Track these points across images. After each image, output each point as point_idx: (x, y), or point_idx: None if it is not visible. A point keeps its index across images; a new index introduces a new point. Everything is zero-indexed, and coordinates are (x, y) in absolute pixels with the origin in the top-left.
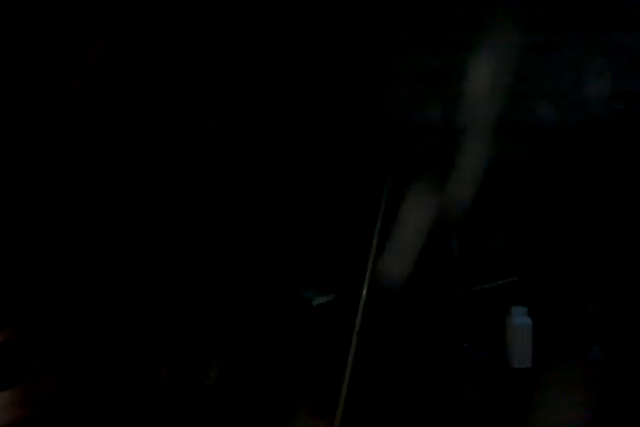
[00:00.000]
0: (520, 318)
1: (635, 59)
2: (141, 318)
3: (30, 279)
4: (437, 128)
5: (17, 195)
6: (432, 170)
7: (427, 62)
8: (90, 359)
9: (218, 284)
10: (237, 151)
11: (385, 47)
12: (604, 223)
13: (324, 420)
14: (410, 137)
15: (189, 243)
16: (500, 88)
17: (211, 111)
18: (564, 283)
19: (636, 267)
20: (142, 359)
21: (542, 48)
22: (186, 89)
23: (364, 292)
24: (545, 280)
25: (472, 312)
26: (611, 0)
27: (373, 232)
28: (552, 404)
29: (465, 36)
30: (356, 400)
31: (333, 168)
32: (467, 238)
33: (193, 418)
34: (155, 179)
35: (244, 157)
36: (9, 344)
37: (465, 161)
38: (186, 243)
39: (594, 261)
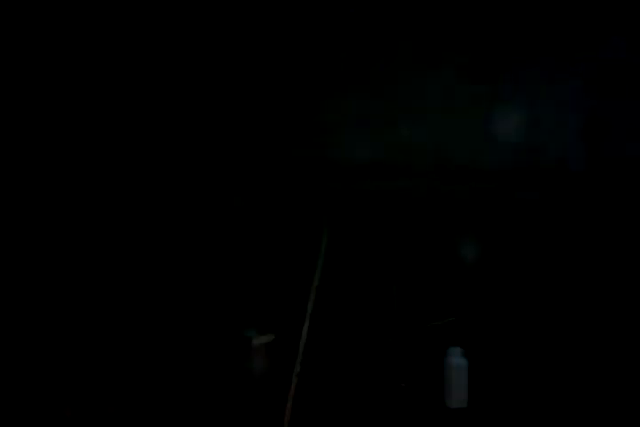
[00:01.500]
0: (456, 359)
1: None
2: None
3: None
4: (374, 171)
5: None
6: (372, 213)
7: (367, 107)
8: None
9: (157, 319)
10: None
11: (322, 91)
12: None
13: None
14: (348, 178)
15: (127, 282)
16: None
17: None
18: (499, 324)
19: None
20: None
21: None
22: None
23: (305, 332)
24: (481, 321)
25: (411, 352)
26: None
27: (315, 272)
28: None
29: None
30: None
31: (276, 209)
32: (406, 280)
33: None
34: None
35: (184, 198)
36: None
37: (406, 204)
38: (124, 282)
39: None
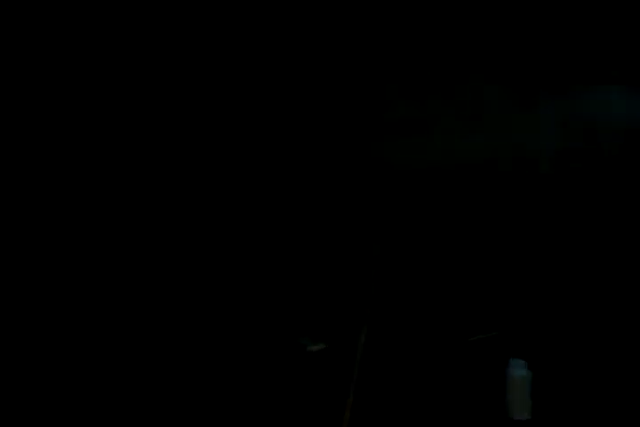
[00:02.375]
0: (519, 370)
1: None
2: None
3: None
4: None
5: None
6: (426, 216)
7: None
8: None
9: (216, 326)
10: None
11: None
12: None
13: None
14: (402, 183)
15: (190, 290)
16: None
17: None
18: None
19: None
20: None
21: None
22: None
23: (362, 341)
24: (543, 333)
25: (471, 363)
26: None
27: (371, 281)
28: None
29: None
30: None
31: (333, 214)
32: (465, 287)
33: None
34: None
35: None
36: None
37: (461, 205)
38: (186, 290)
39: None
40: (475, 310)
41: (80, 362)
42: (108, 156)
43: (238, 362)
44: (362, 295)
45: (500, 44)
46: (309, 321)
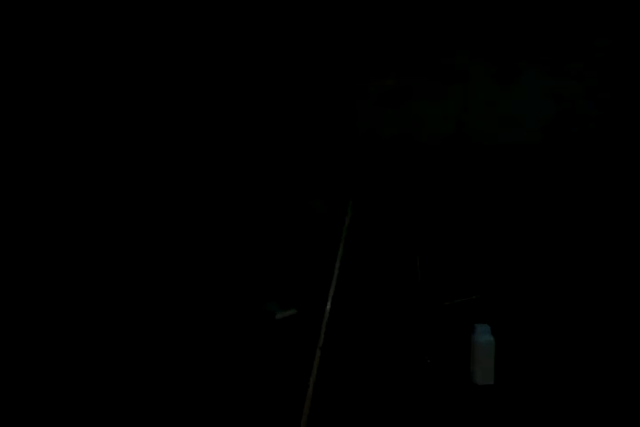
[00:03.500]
0: (483, 336)
1: None
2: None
3: None
4: (400, 144)
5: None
6: (395, 190)
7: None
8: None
9: (183, 293)
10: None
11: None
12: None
13: None
14: (373, 152)
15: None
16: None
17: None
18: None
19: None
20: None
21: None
22: None
23: (328, 307)
24: (508, 298)
25: (437, 329)
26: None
27: (338, 248)
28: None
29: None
30: (319, 419)
31: (300, 182)
32: (431, 257)
33: None
34: None
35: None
36: None
37: (428, 180)
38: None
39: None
40: (446, 275)
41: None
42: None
43: (207, 328)
44: (330, 260)
45: (481, 20)
46: (278, 288)
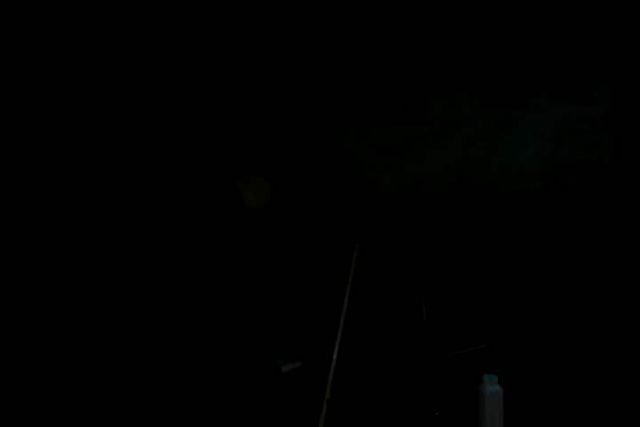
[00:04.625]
0: (491, 387)
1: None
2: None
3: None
4: (402, 196)
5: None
6: (400, 239)
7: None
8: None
9: (190, 349)
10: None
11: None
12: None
13: None
14: (376, 204)
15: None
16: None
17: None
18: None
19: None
20: None
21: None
22: None
23: (334, 358)
24: (515, 348)
25: (444, 380)
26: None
27: (343, 299)
28: None
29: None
30: None
31: (302, 236)
32: (437, 306)
33: None
34: None
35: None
36: None
37: (433, 229)
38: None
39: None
40: (451, 326)
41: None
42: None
43: (214, 384)
44: (334, 312)
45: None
46: (283, 341)
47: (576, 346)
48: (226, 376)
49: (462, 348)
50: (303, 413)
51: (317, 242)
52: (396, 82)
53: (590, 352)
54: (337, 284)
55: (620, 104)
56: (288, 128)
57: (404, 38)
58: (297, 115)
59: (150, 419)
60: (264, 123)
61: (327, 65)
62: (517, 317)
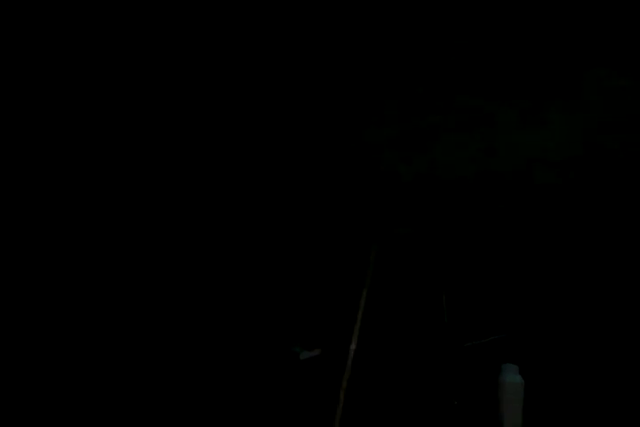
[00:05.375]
0: (511, 376)
1: None
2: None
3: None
4: (421, 185)
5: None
6: (420, 228)
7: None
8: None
9: (211, 333)
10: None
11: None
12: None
13: None
14: (396, 193)
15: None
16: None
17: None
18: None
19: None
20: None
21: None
22: None
23: (353, 347)
24: (536, 337)
25: (463, 370)
26: None
27: (362, 288)
28: None
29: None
30: None
31: (323, 225)
32: (457, 296)
33: None
34: None
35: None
36: None
37: (453, 219)
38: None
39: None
40: (471, 315)
41: (78, 363)
42: (107, 156)
43: (234, 370)
44: (352, 302)
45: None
46: (302, 329)
47: (597, 336)
48: (245, 364)
49: (482, 337)
50: (321, 400)
51: (339, 233)
52: (421, 74)
53: (609, 343)
54: (358, 272)
55: None
56: (315, 123)
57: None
58: (323, 110)
59: (175, 403)
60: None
61: (355, 63)
62: (538, 306)
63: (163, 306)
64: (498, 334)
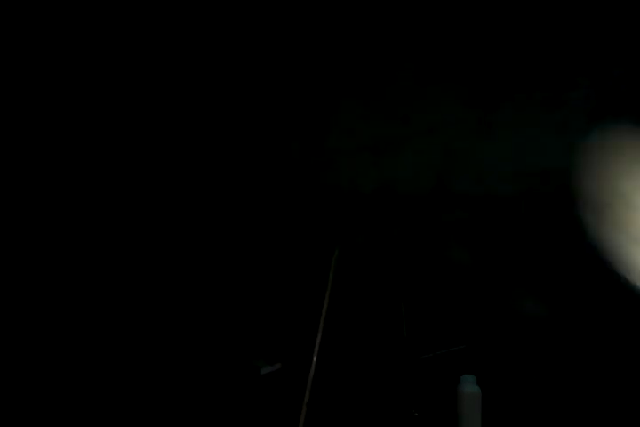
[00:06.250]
0: (469, 387)
1: None
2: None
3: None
4: (380, 194)
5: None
6: (379, 240)
7: (371, 133)
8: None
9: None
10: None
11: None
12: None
13: None
14: (355, 205)
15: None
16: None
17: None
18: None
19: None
20: None
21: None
22: None
23: (314, 360)
24: (494, 348)
25: (423, 381)
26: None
27: (323, 300)
28: None
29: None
30: None
31: (282, 234)
32: (415, 307)
33: None
34: None
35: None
36: None
37: (411, 229)
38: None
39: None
40: (430, 327)
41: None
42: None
43: (193, 384)
44: (314, 314)
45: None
46: (263, 343)
47: (555, 346)
48: (205, 378)
49: (441, 349)
50: (283, 415)
51: (298, 243)
52: (381, 83)
53: (569, 352)
54: (317, 285)
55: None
56: (276, 128)
57: (390, 41)
58: (285, 116)
59: (131, 419)
60: (251, 122)
61: (315, 66)
62: (495, 317)
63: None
64: (457, 346)
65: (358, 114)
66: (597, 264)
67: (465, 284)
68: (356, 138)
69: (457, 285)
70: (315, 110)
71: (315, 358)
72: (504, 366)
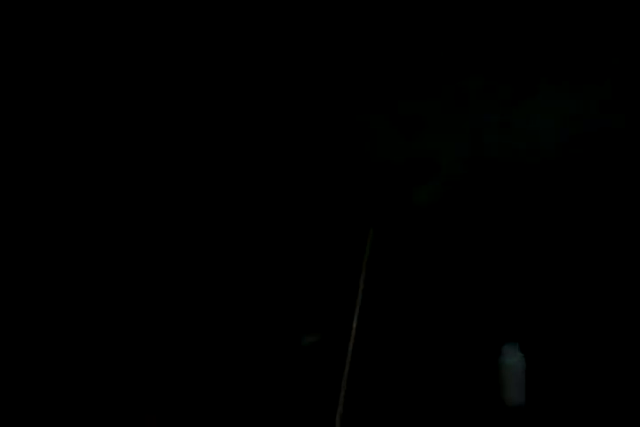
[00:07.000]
0: (511, 356)
1: None
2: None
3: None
4: (419, 169)
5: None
6: (416, 211)
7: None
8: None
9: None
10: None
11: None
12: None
13: None
14: (392, 178)
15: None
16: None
17: None
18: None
19: None
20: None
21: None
22: None
23: (353, 332)
24: (538, 314)
25: (464, 349)
26: None
27: (360, 273)
28: None
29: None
30: None
31: (319, 214)
32: (451, 279)
33: None
34: None
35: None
36: None
37: (449, 203)
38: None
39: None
40: (466, 297)
41: (80, 362)
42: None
43: (233, 357)
44: (351, 287)
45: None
46: (303, 314)
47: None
48: (248, 356)
49: (481, 314)
50: (324, 386)
51: (335, 221)
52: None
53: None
54: (355, 259)
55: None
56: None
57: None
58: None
59: (175, 394)
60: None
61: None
62: (538, 286)
63: (165, 302)
64: (498, 315)
65: (390, 88)
66: None
67: (503, 255)
68: (390, 111)
69: (495, 258)
70: (348, 86)
71: (354, 331)
72: (549, 333)
